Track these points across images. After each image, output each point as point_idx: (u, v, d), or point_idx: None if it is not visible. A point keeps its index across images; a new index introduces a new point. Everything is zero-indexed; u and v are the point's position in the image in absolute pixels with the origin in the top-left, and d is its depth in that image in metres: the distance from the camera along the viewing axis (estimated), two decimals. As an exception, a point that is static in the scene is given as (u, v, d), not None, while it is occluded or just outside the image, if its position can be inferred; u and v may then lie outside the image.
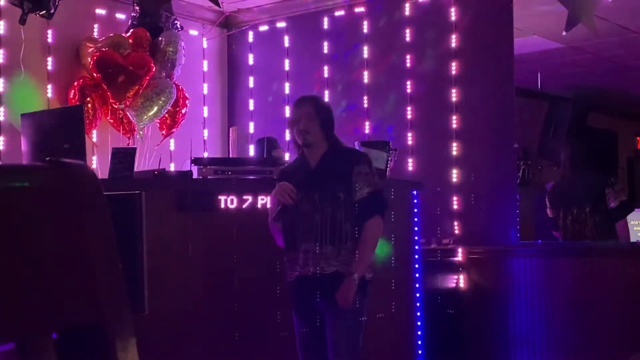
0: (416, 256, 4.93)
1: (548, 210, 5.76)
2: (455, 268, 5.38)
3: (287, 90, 6.44)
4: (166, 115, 5.92)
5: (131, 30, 5.82)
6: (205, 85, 6.73)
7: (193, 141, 6.16)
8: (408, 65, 5.79)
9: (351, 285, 3.69)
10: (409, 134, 5.74)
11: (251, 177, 4.46)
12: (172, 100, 5.84)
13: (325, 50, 6.25)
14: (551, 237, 5.73)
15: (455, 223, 5.47)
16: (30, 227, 1.03)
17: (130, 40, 5.70)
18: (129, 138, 5.85)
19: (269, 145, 4.90)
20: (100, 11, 5.98)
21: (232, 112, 6.84)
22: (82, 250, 1.07)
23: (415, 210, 4.91)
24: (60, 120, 4.67)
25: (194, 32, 6.65)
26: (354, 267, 3.72)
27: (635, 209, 6.53)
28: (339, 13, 6.21)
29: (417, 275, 4.89)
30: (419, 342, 4.84)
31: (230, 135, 5.57)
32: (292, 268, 3.85)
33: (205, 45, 6.75)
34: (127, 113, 5.69)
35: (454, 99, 5.54)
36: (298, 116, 3.84)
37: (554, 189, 5.89)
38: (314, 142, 3.83)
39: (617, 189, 5.63)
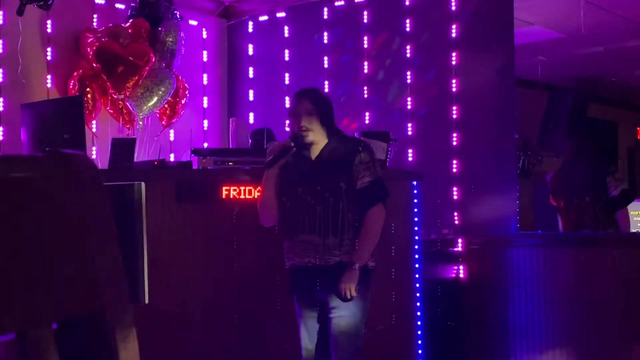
0: (416, 247, 4.93)
1: (551, 200, 5.79)
2: (455, 258, 5.39)
3: (287, 81, 6.44)
4: (166, 105, 5.91)
5: (131, 20, 5.81)
6: (205, 76, 6.72)
7: (193, 132, 6.17)
8: (408, 55, 5.78)
9: (353, 276, 3.67)
10: (409, 125, 5.73)
11: (250, 167, 4.46)
12: (172, 91, 5.83)
13: (325, 41, 6.24)
14: (550, 228, 5.75)
15: (455, 214, 5.47)
16: (30, 218, 1.03)
17: (129, 31, 5.68)
18: (128, 128, 5.84)
19: (268, 136, 4.93)
20: (100, 1, 5.96)
21: (231, 103, 6.84)
22: (82, 241, 1.07)
23: (415, 200, 4.91)
24: (60, 110, 4.66)
25: (193, 22, 6.63)
26: (356, 257, 3.70)
27: (635, 200, 6.54)
28: (339, 3, 6.20)
29: (417, 265, 4.89)
30: (419, 332, 4.85)
31: (230, 125, 5.56)
32: (289, 257, 3.85)
33: (205, 35, 6.74)
34: (127, 103, 5.68)
35: (454, 90, 5.53)
36: (297, 111, 3.83)
37: (554, 179, 5.91)
38: (315, 136, 3.82)
39: (618, 178, 5.64)
